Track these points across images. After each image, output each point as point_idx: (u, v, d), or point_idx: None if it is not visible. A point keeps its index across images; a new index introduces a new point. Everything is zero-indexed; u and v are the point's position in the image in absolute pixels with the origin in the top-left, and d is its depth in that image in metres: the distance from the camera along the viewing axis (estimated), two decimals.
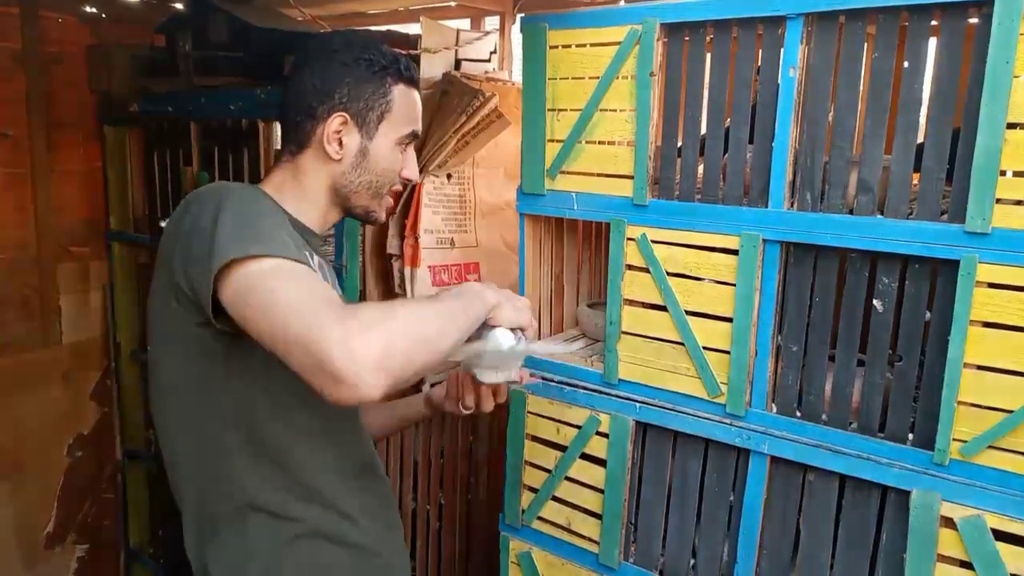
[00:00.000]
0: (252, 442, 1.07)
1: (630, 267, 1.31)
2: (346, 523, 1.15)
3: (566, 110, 1.35)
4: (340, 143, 1.15)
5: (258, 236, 0.95)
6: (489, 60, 1.92)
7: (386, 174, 1.19)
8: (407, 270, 1.73)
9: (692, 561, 1.33)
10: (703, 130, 1.24)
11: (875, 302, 1.12)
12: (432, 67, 1.72)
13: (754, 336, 1.20)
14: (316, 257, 1.14)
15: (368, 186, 1.18)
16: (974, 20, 1.01)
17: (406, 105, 1.18)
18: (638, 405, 1.32)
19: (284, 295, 0.89)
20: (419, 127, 1.23)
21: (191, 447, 1.10)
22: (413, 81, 1.20)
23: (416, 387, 1.26)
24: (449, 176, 1.81)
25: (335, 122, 1.13)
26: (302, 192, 1.17)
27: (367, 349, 0.84)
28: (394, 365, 0.86)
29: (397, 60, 1.17)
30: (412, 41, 1.78)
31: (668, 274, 1.26)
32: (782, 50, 1.13)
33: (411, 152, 1.23)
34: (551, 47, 1.34)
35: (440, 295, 1.05)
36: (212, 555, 1.10)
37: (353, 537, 1.15)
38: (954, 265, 1.02)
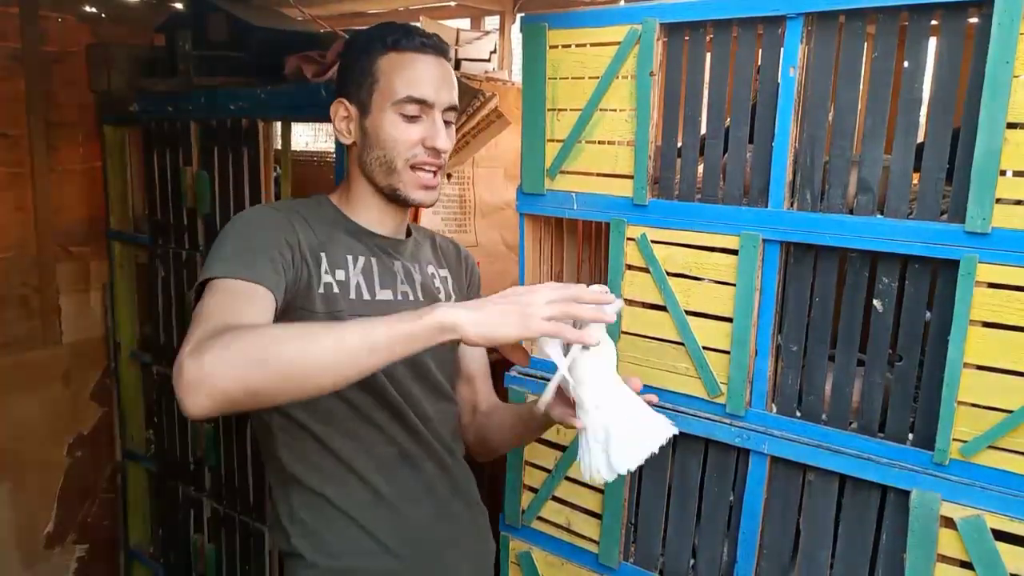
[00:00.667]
0: (291, 425, 1.17)
1: (630, 267, 1.31)
2: (377, 512, 1.18)
3: (566, 110, 1.34)
4: (349, 129, 1.20)
5: (224, 258, 1.04)
6: (489, 60, 1.92)
7: (393, 145, 1.16)
8: None
9: (692, 561, 1.33)
10: (703, 130, 1.24)
11: (875, 302, 1.12)
12: None
13: (754, 336, 1.20)
14: (361, 259, 1.18)
15: (380, 162, 1.18)
16: (974, 20, 1.01)
17: (396, 71, 1.16)
18: None
19: (197, 309, 0.98)
20: (421, 91, 1.16)
21: (255, 425, 1.25)
22: (407, 46, 1.16)
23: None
24: (449, 176, 1.81)
25: (339, 110, 1.21)
26: (351, 191, 1.23)
27: (191, 369, 0.84)
28: (216, 388, 0.84)
29: (382, 30, 1.17)
30: None
31: (668, 274, 1.26)
32: (782, 50, 1.13)
33: (434, 120, 1.18)
34: (551, 47, 1.34)
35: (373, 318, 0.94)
36: (278, 513, 1.23)
37: (381, 538, 1.19)
38: (954, 265, 1.02)
